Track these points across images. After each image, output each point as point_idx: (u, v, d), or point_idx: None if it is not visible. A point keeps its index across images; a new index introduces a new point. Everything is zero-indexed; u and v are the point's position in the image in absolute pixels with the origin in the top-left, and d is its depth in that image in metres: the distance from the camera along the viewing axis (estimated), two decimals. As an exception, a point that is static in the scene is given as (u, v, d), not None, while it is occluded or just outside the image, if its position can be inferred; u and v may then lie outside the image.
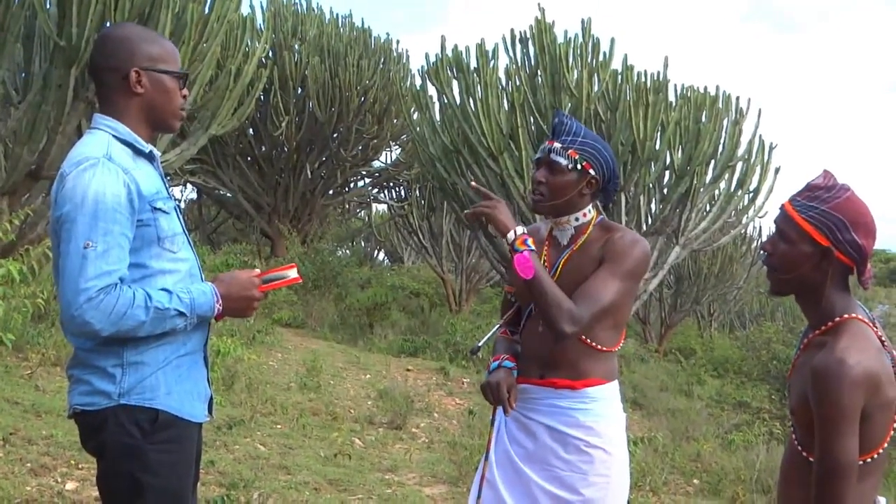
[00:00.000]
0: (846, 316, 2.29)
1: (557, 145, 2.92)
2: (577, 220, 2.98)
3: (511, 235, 2.81)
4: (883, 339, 2.32)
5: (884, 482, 2.52)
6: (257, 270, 2.62)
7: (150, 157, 2.53)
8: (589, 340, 2.88)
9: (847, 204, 2.26)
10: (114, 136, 2.44)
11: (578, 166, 2.91)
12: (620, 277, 2.85)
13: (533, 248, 2.81)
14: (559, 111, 3.13)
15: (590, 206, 3.00)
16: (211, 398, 2.64)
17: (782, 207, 2.36)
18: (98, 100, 2.55)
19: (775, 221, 2.38)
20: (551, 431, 2.93)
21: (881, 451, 2.25)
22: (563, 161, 2.90)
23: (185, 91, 2.58)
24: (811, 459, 2.24)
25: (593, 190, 2.97)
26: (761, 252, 2.43)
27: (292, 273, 2.67)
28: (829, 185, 2.30)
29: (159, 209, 2.43)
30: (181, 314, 2.39)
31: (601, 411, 2.94)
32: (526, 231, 2.85)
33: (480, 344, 3.00)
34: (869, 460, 2.23)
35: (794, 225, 2.31)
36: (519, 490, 2.95)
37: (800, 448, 2.35)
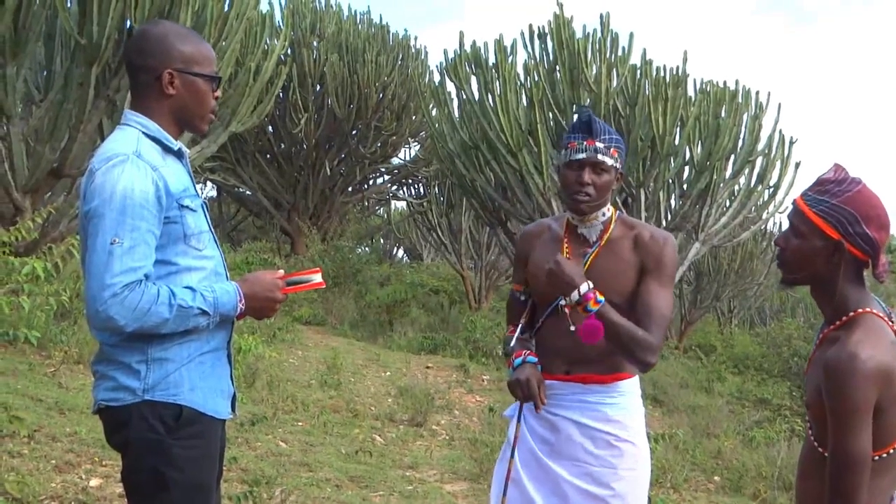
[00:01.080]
0: (860, 310, 2.28)
1: (601, 145, 2.89)
2: (603, 215, 2.98)
3: (576, 295, 2.76)
4: (900, 333, 2.31)
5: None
6: (281, 272, 2.62)
7: (178, 155, 2.55)
8: None
9: (858, 197, 2.26)
10: (143, 132, 2.46)
11: (619, 164, 2.92)
12: (668, 284, 2.88)
13: (602, 299, 2.76)
14: (587, 109, 3.10)
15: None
16: (234, 395, 2.66)
17: (794, 202, 2.37)
18: (130, 95, 2.57)
19: (788, 217, 2.39)
20: (579, 427, 2.93)
21: (898, 446, 2.24)
22: (611, 161, 2.89)
23: (217, 93, 2.59)
24: (826, 454, 2.24)
25: (619, 185, 3.00)
26: (776, 248, 2.44)
27: (317, 278, 2.66)
28: (840, 178, 2.30)
29: (186, 207, 2.45)
30: (204, 313, 2.40)
31: (627, 405, 2.96)
32: (590, 286, 2.77)
33: (513, 343, 3.00)
34: (885, 455, 2.22)
35: (805, 219, 2.31)
36: (547, 487, 2.95)
37: (815, 443, 2.34)
